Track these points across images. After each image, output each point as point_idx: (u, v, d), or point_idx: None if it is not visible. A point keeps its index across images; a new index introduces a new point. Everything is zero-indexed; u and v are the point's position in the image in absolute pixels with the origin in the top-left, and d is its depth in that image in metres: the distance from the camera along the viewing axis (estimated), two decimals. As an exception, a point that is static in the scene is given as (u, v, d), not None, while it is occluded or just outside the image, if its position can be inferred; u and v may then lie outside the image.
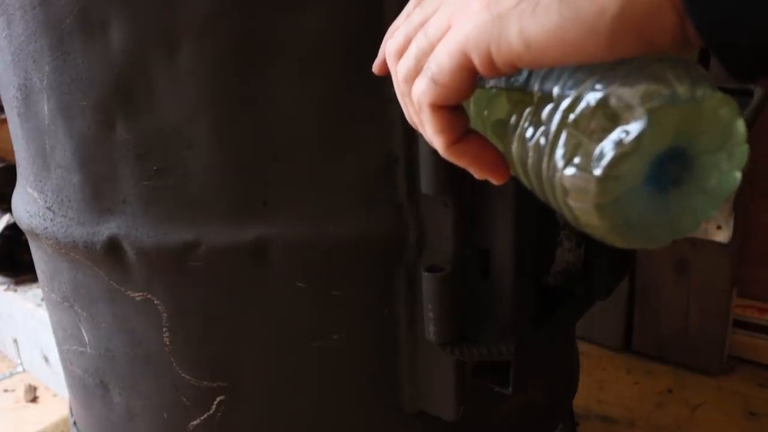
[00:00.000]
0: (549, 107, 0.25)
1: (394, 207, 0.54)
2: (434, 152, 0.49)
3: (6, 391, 1.56)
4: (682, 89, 0.23)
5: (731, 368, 1.44)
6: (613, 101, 0.23)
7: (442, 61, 0.26)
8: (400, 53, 0.30)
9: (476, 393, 0.60)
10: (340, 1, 0.49)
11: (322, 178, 0.53)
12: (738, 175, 0.25)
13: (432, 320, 0.54)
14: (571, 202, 0.24)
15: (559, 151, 0.24)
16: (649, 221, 0.25)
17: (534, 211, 0.54)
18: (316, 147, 0.53)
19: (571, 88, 0.24)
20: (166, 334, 0.60)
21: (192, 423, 0.63)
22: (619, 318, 1.52)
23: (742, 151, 0.25)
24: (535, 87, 0.27)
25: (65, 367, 0.77)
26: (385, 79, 0.51)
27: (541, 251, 0.63)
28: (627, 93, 0.23)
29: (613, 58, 0.23)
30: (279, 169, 0.53)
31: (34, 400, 1.52)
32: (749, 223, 1.37)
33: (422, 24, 0.29)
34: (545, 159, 0.25)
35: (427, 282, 0.53)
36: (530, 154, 0.26)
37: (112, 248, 0.58)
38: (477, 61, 0.25)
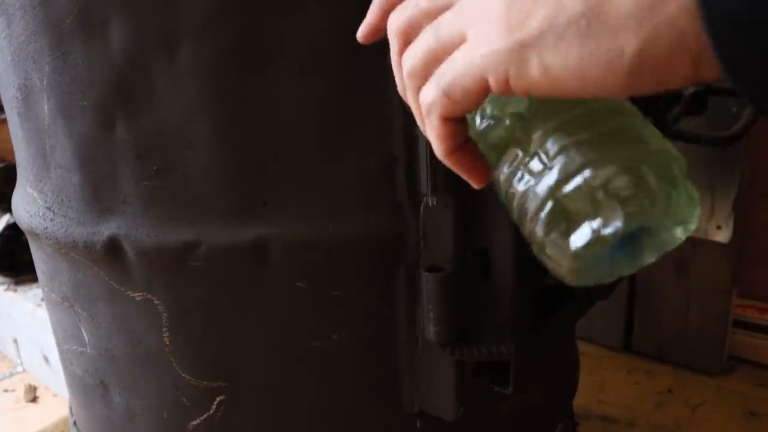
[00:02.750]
0: (539, 165, 0.28)
1: (394, 207, 0.54)
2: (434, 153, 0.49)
3: (6, 391, 1.57)
4: (661, 196, 0.26)
5: (731, 368, 1.44)
6: (599, 194, 0.26)
7: (459, 79, 0.26)
8: (403, 35, 0.30)
9: (476, 393, 0.60)
10: (340, 1, 0.49)
11: (322, 178, 0.53)
12: (681, 233, 0.29)
13: (432, 320, 0.54)
14: (545, 259, 0.29)
15: (542, 219, 0.28)
16: (603, 272, 0.29)
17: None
18: (316, 147, 0.53)
19: (565, 157, 0.27)
20: (166, 334, 0.60)
21: (192, 423, 0.63)
22: (619, 318, 1.52)
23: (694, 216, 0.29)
24: (534, 129, 0.29)
25: (65, 367, 0.77)
26: (385, 79, 0.51)
27: (541, 251, 0.63)
28: (612, 190, 0.26)
29: (628, 96, 0.24)
30: (279, 169, 0.53)
31: (34, 400, 1.52)
32: (749, 223, 1.37)
33: (431, 13, 0.29)
34: (529, 215, 0.28)
35: (427, 282, 0.53)
36: (516, 195, 0.29)
37: (112, 248, 0.58)
38: (493, 84, 0.25)
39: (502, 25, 0.24)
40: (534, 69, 0.24)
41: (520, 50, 0.24)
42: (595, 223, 0.26)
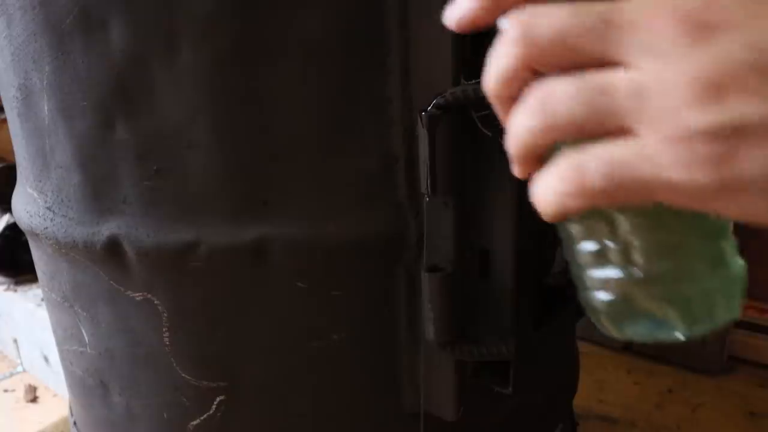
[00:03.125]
0: (621, 255, 0.28)
1: (394, 207, 0.54)
2: (433, 153, 0.49)
3: (6, 391, 1.57)
4: (717, 325, 0.28)
5: (731, 368, 1.44)
6: (669, 309, 0.27)
7: (629, 186, 0.22)
8: (531, 51, 0.23)
9: (476, 393, 0.60)
10: (340, 1, 0.49)
11: (322, 178, 0.53)
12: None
13: (432, 320, 0.54)
14: (590, 312, 0.30)
15: (605, 300, 0.28)
16: None
17: (534, 212, 0.54)
18: (316, 147, 0.53)
19: (651, 261, 0.27)
20: (166, 334, 0.60)
21: (192, 423, 0.63)
22: (619, 318, 1.52)
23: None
24: (629, 217, 0.28)
25: (65, 367, 0.77)
26: (385, 78, 0.51)
27: (541, 251, 0.63)
28: (681, 308, 0.28)
29: None
30: (279, 169, 0.53)
31: (34, 400, 1.52)
32: (749, 223, 1.37)
33: (585, 45, 0.22)
34: (591, 286, 0.29)
35: (427, 282, 0.53)
36: (584, 262, 0.29)
37: (112, 248, 0.58)
38: (666, 202, 0.22)
39: (703, 155, 0.20)
40: (721, 209, 0.21)
41: (718, 192, 0.21)
42: (653, 324, 0.28)
